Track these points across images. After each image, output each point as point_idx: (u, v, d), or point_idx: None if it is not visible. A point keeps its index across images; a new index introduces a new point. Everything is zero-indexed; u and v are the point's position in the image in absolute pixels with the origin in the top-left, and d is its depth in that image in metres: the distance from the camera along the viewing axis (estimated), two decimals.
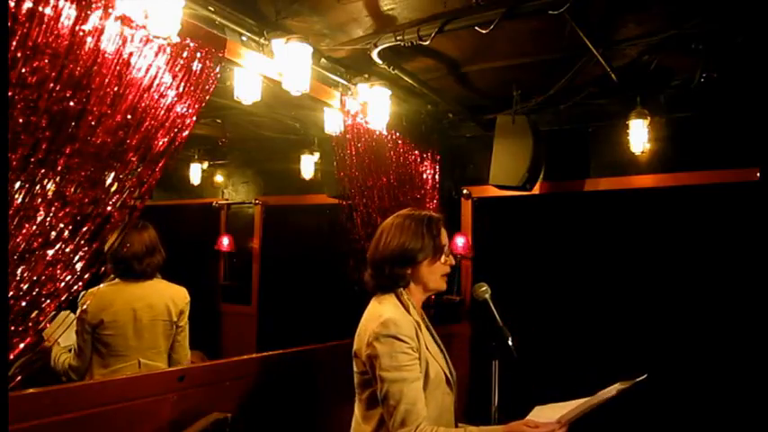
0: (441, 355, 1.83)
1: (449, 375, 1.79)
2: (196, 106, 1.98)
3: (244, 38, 2.35)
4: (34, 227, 1.53)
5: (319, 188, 4.22)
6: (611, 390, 1.53)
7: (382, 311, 1.72)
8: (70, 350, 2.47)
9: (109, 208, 1.72)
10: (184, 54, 1.93)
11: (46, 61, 1.51)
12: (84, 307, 2.38)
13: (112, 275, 2.54)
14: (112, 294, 2.47)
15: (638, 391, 1.65)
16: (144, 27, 1.74)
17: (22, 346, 1.54)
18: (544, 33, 2.59)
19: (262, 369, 2.51)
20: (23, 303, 1.53)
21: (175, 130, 1.91)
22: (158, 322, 2.54)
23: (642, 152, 3.33)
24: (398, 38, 2.54)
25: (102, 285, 2.52)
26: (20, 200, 1.50)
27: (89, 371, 2.42)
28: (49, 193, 1.56)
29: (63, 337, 2.49)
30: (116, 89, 1.70)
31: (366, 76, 2.97)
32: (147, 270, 2.54)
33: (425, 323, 1.87)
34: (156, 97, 1.84)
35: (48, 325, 1.69)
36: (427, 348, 1.74)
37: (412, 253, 1.78)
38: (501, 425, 1.63)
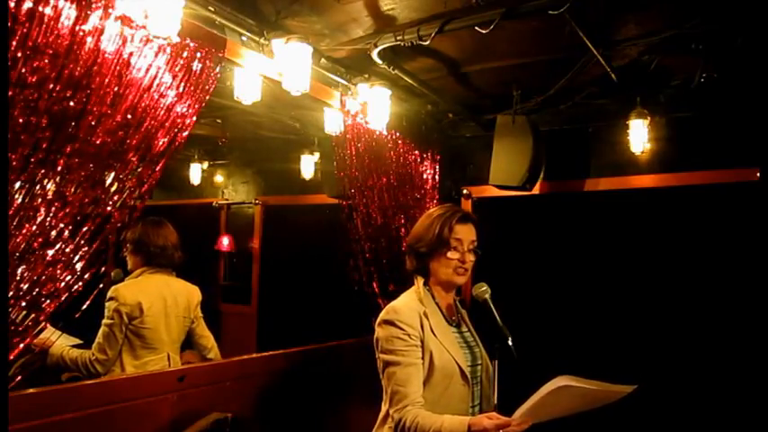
0: (461, 347, 1.87)
1: (465, 368, 1.81)
2: (196, 106, 1.98)
3: (244, 38, 2.35)
4: (34, 227, 1.53)
5: (319, 188, 4.22)
6: (558, 382, 1.55)
7: (395, 301, 1.86)
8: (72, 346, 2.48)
9: (109, 208, 1.72)
10: (184, 54, 1.93)
11: (46, 61, 1.50)
12: (122, 300, 2.44)
13: (142, 269, 2.60)
14: (145, 288, 2.54)
15: (638, 393, 1.65)
16: (144, 27, 1.74)
17: (22, 346, 1.54)
18: (544, 33, 2.58)
19: (262, 369, 2.52)
20: (23, 303, 1.53)
21: (175, 130, 1.91)
22: (181, 318, 2.66)
23: (642, 152, 3.33)
24: (398, 38, 2.53)
25: (127, 280, 2.59)
26: (20, 200, 1.50)
27: (118, 364, 2.46)
28: (49, 193, 1.56)
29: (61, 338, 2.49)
30: (116, 89, 1.70)
31: (366, 76, 2.97)
32: (179, 261, 2.69)
33: (454, 316, 1.96)
34: (156, 97, 1.84)
35: (47, 325, 1.70)
36: (436, 338, 1.80)
37: (419, 247, 1.92)
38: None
